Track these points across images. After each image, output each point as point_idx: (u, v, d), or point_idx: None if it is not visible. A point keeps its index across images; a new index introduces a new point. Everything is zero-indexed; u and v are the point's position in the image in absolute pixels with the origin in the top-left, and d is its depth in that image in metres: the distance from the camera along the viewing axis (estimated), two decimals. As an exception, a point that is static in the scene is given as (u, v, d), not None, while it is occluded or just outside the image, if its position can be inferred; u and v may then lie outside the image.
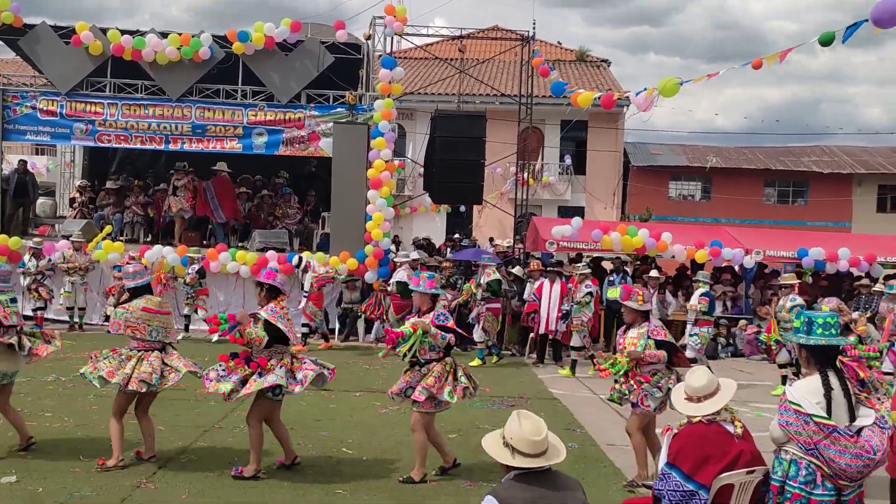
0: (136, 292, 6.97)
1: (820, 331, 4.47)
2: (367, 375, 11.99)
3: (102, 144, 17.36)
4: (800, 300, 12.70)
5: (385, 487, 6.66)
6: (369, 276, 15.94)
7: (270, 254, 15.86)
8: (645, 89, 13.40)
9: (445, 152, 16.55)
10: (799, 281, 13.47)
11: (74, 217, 18.13)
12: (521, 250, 18.31)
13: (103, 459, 6.78)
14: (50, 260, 15.20)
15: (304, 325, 14.47)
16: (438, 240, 24.50)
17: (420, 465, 6.77)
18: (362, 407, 9.62)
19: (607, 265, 17.21)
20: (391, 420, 9.04)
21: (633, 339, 6.86)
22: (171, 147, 16.93)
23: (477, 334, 13.75)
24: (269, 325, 6.63)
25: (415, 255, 16.63)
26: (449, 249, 20.24)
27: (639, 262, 17.38)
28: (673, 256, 16.74)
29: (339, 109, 16.84)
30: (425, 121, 22.54)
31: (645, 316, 6.91)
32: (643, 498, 5.47)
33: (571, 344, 13.59)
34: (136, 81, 16.79)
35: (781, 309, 12.54)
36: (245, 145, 16.81)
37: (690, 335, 12.80)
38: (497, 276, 13.96)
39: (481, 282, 13.85)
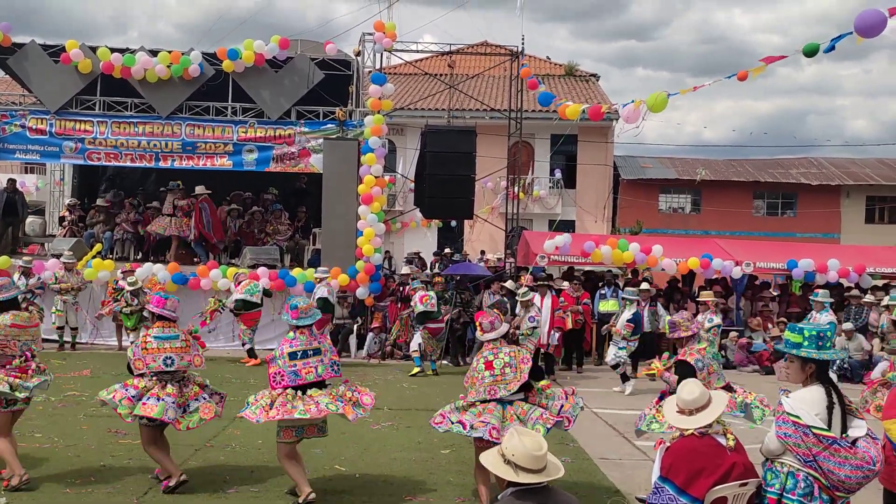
0: (3, 307, 6.81)
1: (829, 344, 4.53)
2: (360, 392, 11.93)
3: (92, 163, 17.32)
4: (717, 320, 13.12)
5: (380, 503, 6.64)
6: (360, 292, 15.93)
7: (262, 270, 15.83)
8: (632, 101, 13.50)
9: (436, 167, 16.58)
10: (714, 299, 13.66)
11: (64, 235, 18.06)
12: (513, 264, 18.32)
13: (7, 481, 6.69)
14: (40, 278, 15.14)
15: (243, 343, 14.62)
16: (430, 255, 24.47)
17: (301, 485, 6.51)
18: (355, 423, 9.58)
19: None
20: (384, 436, 9.02)
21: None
22: (162, 164, 16.91)
23: (413, 343, 14.22)
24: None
25: (405, 269, 16.64)
26: (437, 265, 20.22)
27: (629, 276, 17.43)
28: (663, 269, 16.80)
29: (329, 125, 16.88)
30: (415, 136, 22.58)
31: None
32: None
33: None
34: (126, 99, 16.79)
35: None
36: (235, 162, 16.81)
37: (619, 348, 12.85)
38: (423, 307, 14.02)
39: (414, 302, 14.22)
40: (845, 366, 14.81)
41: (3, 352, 6.69)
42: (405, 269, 16.66)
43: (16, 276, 15.05)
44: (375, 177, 16.26)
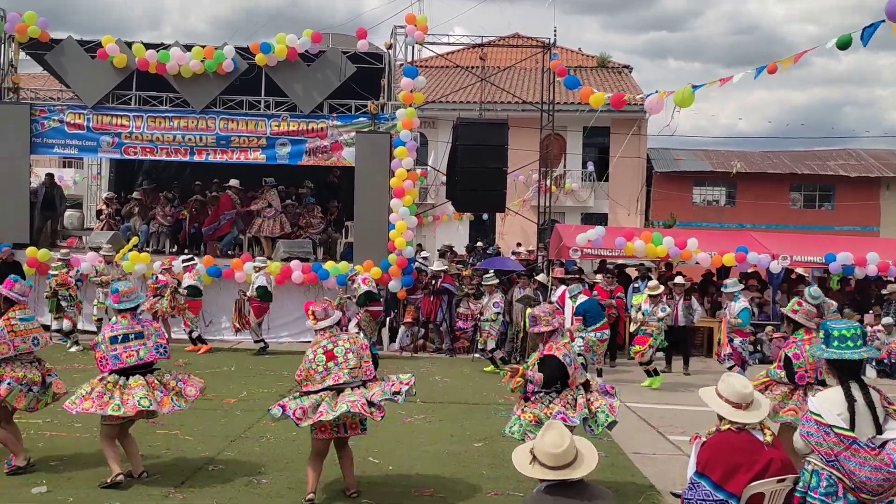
0: None
1: (836, 343, 4.46)
2: (392, 384, 11.98)
3: (128, 157, 17.53)
4: (670, 309, 13.04)
5: (412, 496, 6.66)
6: (393, 285, 15.96)
7: (294, 263, 15.94)
8: (656, 92, 13.34)
9: (468, 160, 16.53)
10: (662, 289, 13.48)
11: (101, 229, 18.32)
12: (545, 258, 18.25)
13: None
14: (78, 271, 15.38)
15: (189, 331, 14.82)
16: (462, 248, 24.48)
17: (112, 465, 6.72)
18: (387, 416, 9.60)
19: (632, 272, 17.13)
20: (416, 429, 9.05)
21: None
22: (196, 158, 17.08)
23: (352, 326, 13.99)
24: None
25: (438, 264, 16.64)
26: (471, 258, 20.21)
27: (664, 269, 17.28)
28: (697, 263, 16.61)
29: (361, 119, 16.91)
30: (447, 129, 22.57)
31: None
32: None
33: (487, 347, 13.74)
34: (161, 94, 16.97)
35: (651, 315, 12.78)
36: (269, 156, 16.92)
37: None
38: (367, 287, 14.15)
39: (353, 288, 14.33)
40: (886, 361, 14.58)
41: None
42: (437, 265, 16.60)
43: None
44: (407, 170, 16.28)
